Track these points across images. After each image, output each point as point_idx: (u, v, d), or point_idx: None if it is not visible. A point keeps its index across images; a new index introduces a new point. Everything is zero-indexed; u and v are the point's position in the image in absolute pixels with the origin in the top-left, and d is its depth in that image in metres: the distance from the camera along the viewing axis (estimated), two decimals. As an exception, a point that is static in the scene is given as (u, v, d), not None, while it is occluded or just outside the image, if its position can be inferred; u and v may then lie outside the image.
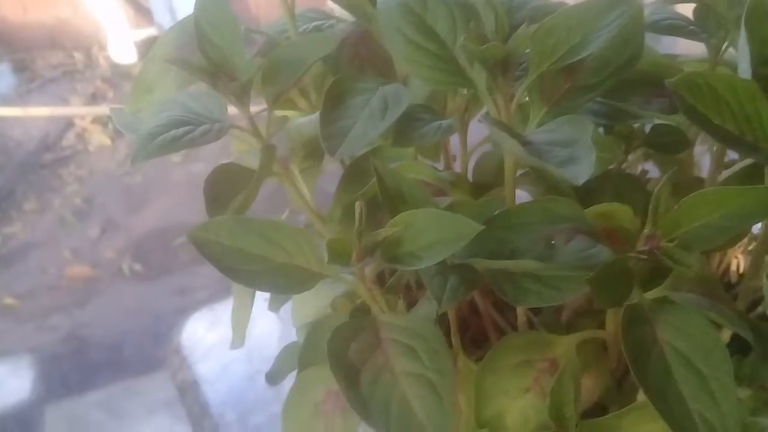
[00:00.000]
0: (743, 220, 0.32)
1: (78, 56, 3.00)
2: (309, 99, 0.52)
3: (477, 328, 0.49)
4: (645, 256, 0.31)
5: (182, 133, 0.38)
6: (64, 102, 2.75)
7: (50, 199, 2.27)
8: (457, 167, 0.49)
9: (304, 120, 0.47)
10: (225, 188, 0.38)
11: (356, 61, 0.48)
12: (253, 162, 0.42)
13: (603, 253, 0.33)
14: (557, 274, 0.35)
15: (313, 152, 0.48)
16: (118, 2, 2.89)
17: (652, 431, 0.33)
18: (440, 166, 0.52)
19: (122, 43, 2.89)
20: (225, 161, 0.45)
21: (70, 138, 2.58)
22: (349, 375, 0.32)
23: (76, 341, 1.54)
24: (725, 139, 0.32)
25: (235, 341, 0.48)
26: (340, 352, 0.33)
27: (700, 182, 0.49)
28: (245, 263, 0.34)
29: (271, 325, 1.06)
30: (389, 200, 0.36)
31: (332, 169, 0.51)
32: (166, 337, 1.36)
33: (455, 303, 0.34)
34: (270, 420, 1.02)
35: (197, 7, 0.41)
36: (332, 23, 0.52)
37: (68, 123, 2.62)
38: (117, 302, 1.71)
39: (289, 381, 0.42)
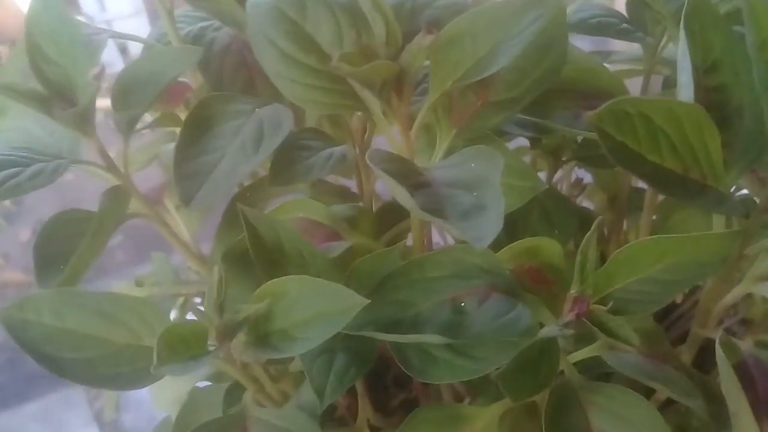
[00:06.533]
0: (693, 273, 0.25)
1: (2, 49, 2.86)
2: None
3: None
4: (571, 330, 0.24)
5: (4, 178, 0.30)
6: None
7: (-23, 202, 2.16)
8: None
9: (179, 144, 0.40)
10: (63, 246, 0.30)
11: (242, 70, 0.40)
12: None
13: (523, 318, 0.26)
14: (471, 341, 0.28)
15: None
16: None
17: None
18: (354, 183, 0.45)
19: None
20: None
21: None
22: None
23: (9, 351, 1.46)
24: (665, 182, 0.25)
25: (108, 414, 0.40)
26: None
27: (639, 194, 0.43)
28: (75, 349, 0.27)
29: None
30: (264, 255, 0.28)
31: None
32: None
33: (342, 392, 0.27)
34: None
35: (28, 16, 0.33)
36: (219, 25, 0.44)
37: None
38: (52, 308, 1.62)
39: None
